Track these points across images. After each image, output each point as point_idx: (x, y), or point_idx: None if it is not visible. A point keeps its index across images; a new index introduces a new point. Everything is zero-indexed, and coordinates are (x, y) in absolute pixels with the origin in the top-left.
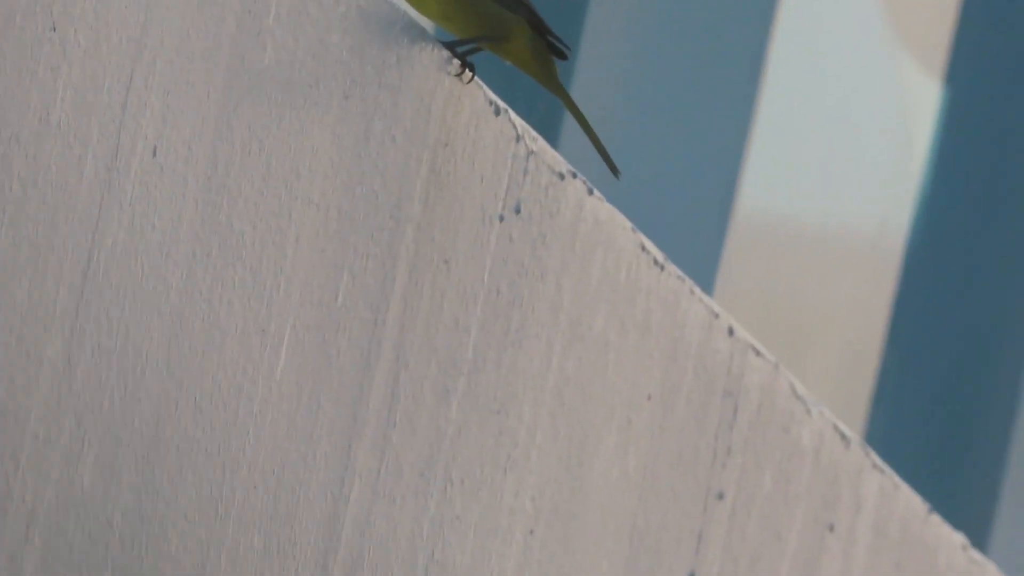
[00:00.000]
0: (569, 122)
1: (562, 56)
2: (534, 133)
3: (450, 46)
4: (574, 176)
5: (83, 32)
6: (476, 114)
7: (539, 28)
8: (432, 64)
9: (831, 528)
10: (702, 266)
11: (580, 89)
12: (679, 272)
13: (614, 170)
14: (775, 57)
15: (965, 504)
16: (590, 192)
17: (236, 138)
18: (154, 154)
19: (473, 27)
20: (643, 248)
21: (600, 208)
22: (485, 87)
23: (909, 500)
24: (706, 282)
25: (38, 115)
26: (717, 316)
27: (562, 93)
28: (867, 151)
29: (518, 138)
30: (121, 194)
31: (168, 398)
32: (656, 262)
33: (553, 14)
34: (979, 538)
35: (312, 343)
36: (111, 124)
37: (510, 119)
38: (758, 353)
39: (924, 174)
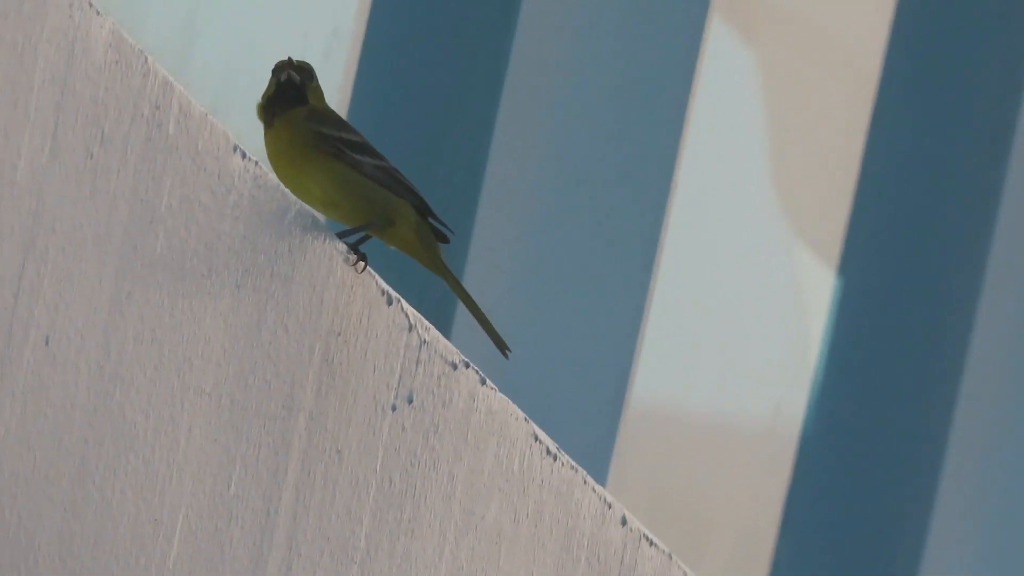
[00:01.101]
0: (462, 311)
1: (444, 240)
2: (427, 323)
3: (340, 236)
4: (467, 366)
5: None
6: (368, 303)
7: (423, 211)
8: (324, 253)
9: None
10: (595, 455)
11: (471, 277)
12: (572, 462)
13: (503, 348)
14: (669, 245)
15: None
16: (483, 382)
17: (128, 326)
18: (47, 343)
19: (359, 212)
20: (536, 438)
21: (493, 398)
22: (377, 276)
23: None
24: (599, 471)
25: None
26: (610, 506)
27: (447, 274)
28: (762, 339)
29: (411, 327)
30: (13, 383)
31: None
32: (549, 451)
33: (444, 199)
34: None
35: (205, 532)
36: (3, 313)
37: (403, 308)
38: (652, 543)
39: (818, 361)
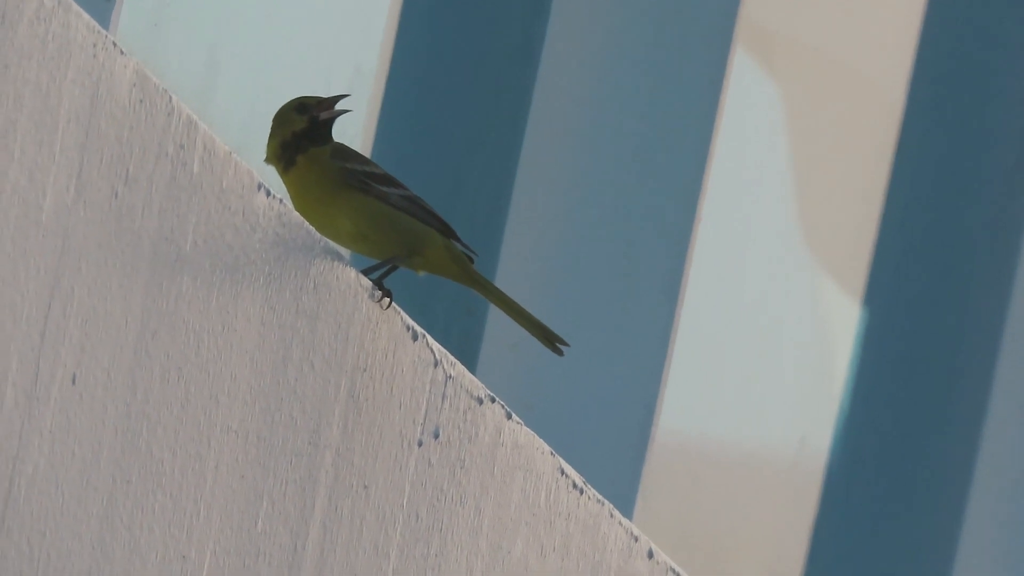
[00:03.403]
0: (488, 345)
1: (470, 261)
2: (452, 358)
3: (366, 272)
4: (492, 400)
5: (1, 261)
6: (394, 339)
7: (448, 234)
8: (349, 290)
9: None
10: (622, 488)
11: (495, 311)
12: (598, 495)
13: (556, 342)
14: (693, 277)
15: None
16: (508, 416)
17: (155, 365)
18: (73, 382)
19: (388, 243)
20: (562, 472)
21: (519, 432)
22: (403, 312)
23: None
24: (626, 504)
25: None
26: (636, 539)
27: (483, 283)
28: (787, 371)
29: (436, 363)
30: (40, 421)
31: None
32: (575, 485)
33: (467, 233)
34: None
35: (233, 568)
36: (30, 352)
37: (428, 344)
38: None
39: (844, 393)
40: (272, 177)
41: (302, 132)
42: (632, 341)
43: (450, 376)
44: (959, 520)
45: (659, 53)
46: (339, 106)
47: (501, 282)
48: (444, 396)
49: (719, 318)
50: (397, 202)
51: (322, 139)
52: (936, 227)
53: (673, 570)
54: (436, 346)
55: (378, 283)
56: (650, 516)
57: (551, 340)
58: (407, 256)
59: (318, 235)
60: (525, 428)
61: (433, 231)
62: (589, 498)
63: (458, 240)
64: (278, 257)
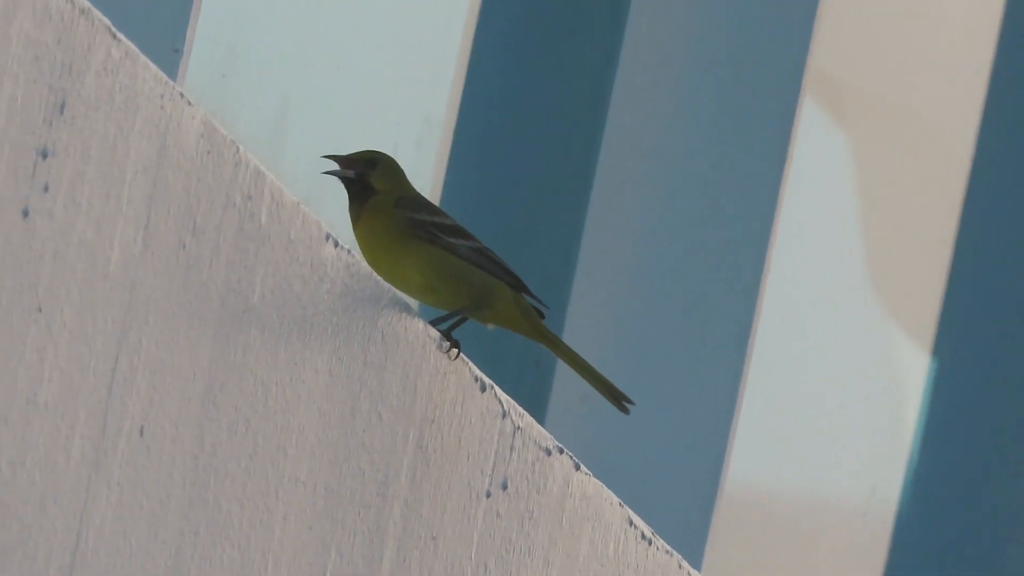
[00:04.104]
0: (556, 398)
1: (541, 316)
2: (520, 409)
3: (434, 323)
4: (561, 452)
5: (69, 313)
6: (462, 390)
7: (519, 288)
8: (417, 340)
9: None
10: (690, 539)
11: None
12: (667, 546)
13: (622, 401)
14: (762, 328)
15: None
16: (577, 467)
17: (222, 417)
18: (141, 434)
19: (457, 295)
20: (631, 523)
21: (587, 483)
22: (471, 363)
23: None
24: (695, 555)
25: (25, 396)
26: None
27: (554, 340)
28: (856, 422)
29: (504, 414)
30: (108, 474)
31: None
32: (644, 536)
33: (537, 284)
34: None
35: None
36: (98, 404)
37: (496, 395)
38: None
39: (913, 444)
40: (341, 228)
41: (347, 186)
42: (701, 392)
43: (518, 427)
44: None
45: (727, 103)
46: (345, 168)
47: (570, 331)
48: (512, 447)
49: (788, 369)
50: (466, 254)
51: (359, 194)
52: (1005, 277)
53: None
54: (504, 397)
55: (446, 334)
56: (719, 567)
57: (617, 398)
58: (476, 308)
59: (386, 286)
60: (594, 479)
61: (503, 284)
62: (658, 549)
63: (529, 293)
64: (346, 308)
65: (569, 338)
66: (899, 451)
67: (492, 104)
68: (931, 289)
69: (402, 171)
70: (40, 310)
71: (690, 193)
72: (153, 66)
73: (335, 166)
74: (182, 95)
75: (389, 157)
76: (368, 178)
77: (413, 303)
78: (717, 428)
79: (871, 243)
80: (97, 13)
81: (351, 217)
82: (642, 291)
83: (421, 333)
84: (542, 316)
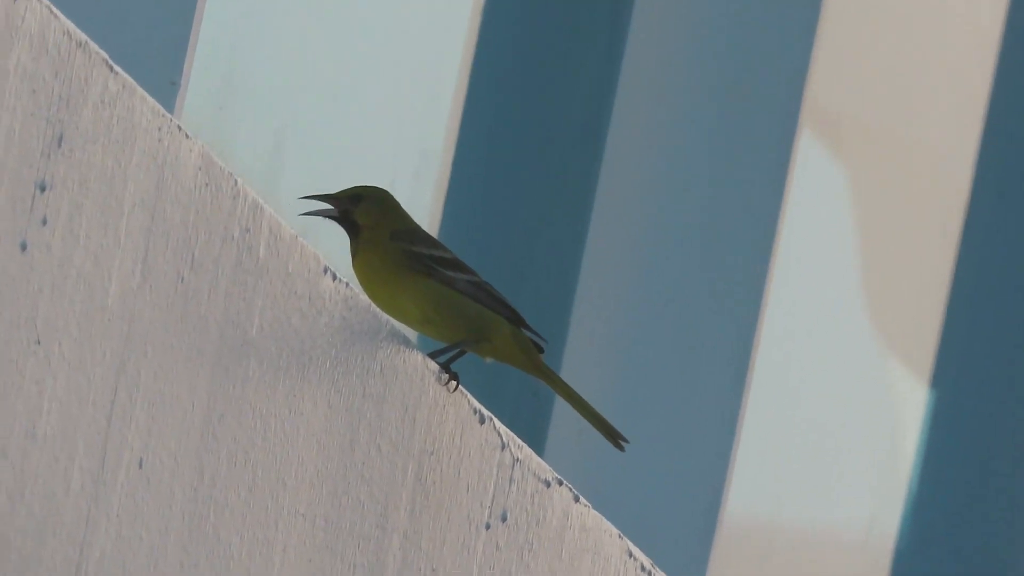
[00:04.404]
0: (555, 428)
1: (540, 350)
2: (519, 441)
3: (433, 355)
4: (560, 483)
5: (67, 345)
6: (461, 423)
7: (517, 322)
8: (416, 373)
9: None
10: (690, 570)
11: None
12: None
13: (618, 439)
14: (761, 359)
15: None
16: (576, 499)
17: (222, 449)
18: (140, 466)
19: (454, 328)
20: (630, 554)
21: (587, 515)
22: (469, 395)
23: None
24: None
25: (24, 428)
26: None
27: (550, 375)
28: (855, 453)
29: (503, 446)
30: (108, 506)
31: None
32: (644, 568)
33: (535, 315)
34: None
35: None
36: (97, 436)
37: (495, 427)
38: None
39: (912, 475)
40: (338, 261)
41: (339, 223)
42: (700, 424)
43: (517, 459)
44: None
45: (725, 135)
46: (314, 209)
47: (569, 361)
48: (511, 479)
49: (787, 400)
50: (463, 287)
51: (350, 230)
52: (1004, 308)
53: None
54: (503, 429)
55: (445, 367)
56: None
57: (613, 435)
58: (474, 342)
59: (384, 318)
60: (593, 511)
61: (500, 318)
62: None
63: (527, 327)
64: (344, 341)
65: (568, 368)
66: (898, 482)
67: (489, 137)
68: (929, 320)
69: (396, 204)
70: (39, 343)
71: (688, 225)
72: (150, 99)
73: (318, 206)
74: (180, 128)
75: (379, 190)
76: (352, 215)
77: (412, 335)
78: (716, 459)
79: (869, 274)
80: (94, 46)
81: (351, 251)
82: (641, 322)
83: (420, 365)
84: (541, 350)
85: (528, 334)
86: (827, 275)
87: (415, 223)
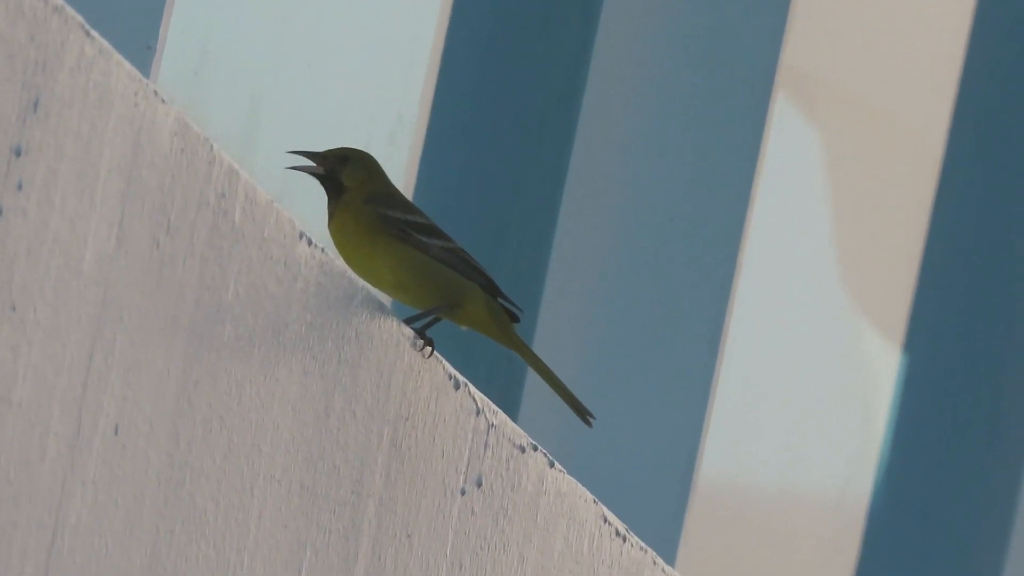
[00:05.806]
0: (529, 394)
1: (514, 319)
2: (494, 407)
3: (408, 321)
4: (535, 449)
5: (43, 311)
6: (436, 388)
7: (492, 291)
8: (391, 339)
9: None
10: (664, 535)
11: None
12: (641, 543)
13: (585, 415)
14: (735, 324)
15: None
16: (551, 464)
17: (197, 415)
18: (116, 432)
19: (428, 295)
20: (605, 520)
21: (562, 480)
22: (444, 361)
23: None
24: (669, 551)
25: None
26: None
27: (522, 348)
28: (828, 417)
29: (478, 412)
30: (83, 472)
31: None
32: (618, 533)
33: (510, 281)
34: None
35: None
36: (72, 402)
37: (470, 393)
38: None
39: (885, 438)
40: (314, 226)
41: (321, 183)
42: (674, 389)
43: (492, 424)
44: (1000, 565)
45: (700, 100)
46: (300, 165)
47: (543, 328)
48: (487, 445)
49: (760, 365)
50: (437, 253)
51: (333, 191)
52: (976, 272)
53: None
54: (478, 395)
55: (420, 332)
56: (693, 563)
57: (581, 412)
58: (448, 308)
59: (360, 284)
60: (568, 476)
61: (475, 286)
62: (632, 545)
63: (503, 296)
64: (320, 306)
65: (542, 336)
66: (871, 446)
67: (464, 102)
68: (902, 285)
69: (379, 168)
70: (14, 308)
71: (663, 190)
72: (127, 63)
73: (304, 161)
74: (156, 93)
75: (364, 154)
76: (339, 175)
77: (387, 301)
78: (690, 425)
79: (843, 239)
80: (70, 10)
81: (328, 212)
82: (615, 288)
83: (395, 331)
84: (516, 320)
85: (503, 303)
86: (801, 239)
87: (396, 188)
